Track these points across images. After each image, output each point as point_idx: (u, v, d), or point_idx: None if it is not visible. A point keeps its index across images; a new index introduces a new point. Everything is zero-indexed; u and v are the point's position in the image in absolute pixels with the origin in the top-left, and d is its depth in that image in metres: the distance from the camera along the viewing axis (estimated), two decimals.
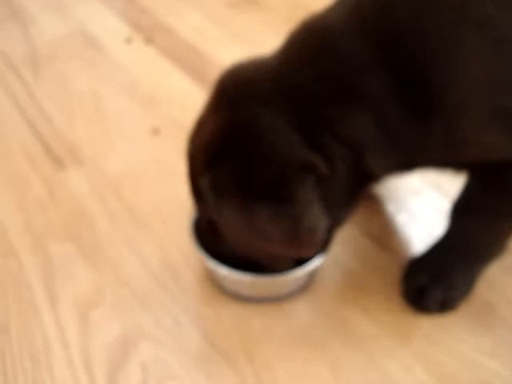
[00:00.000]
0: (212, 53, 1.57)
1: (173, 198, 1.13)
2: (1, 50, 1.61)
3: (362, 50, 0.78)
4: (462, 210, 0.95)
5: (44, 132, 1.31)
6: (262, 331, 0.92)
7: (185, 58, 1.56)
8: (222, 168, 0.79)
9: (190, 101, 1.34)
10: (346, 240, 1.06)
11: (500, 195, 0.89)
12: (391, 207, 1.12)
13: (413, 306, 0.95)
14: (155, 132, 1.29)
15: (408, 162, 0.85)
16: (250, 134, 0.78)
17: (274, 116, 0.78)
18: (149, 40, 1.63)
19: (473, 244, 0.95)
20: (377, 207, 1.13)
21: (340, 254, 1.03)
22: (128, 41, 1.63)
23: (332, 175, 0.80)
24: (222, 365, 0.87)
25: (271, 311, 0.95)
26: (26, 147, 1.27)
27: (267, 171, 0.77)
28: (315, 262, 0.93)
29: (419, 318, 0.93)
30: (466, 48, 0.76)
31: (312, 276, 0.98)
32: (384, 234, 1.07)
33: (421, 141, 0.80)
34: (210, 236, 0.92)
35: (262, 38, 1.62)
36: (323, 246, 0.93)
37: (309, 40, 0.83)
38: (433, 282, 0.95)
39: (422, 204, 1.13)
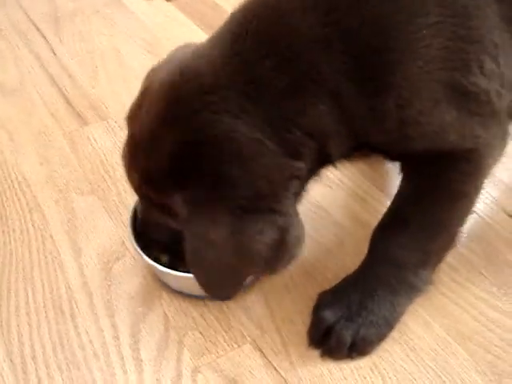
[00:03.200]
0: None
1: None
2: (23, 9, 1.61)
3: (313, 29, 0.72)
4: (384, 229, 0.86)
5: (67, 88, 1.32)
6: (285, 288, 0.92)
7: (205, 14, 1.55)
8: (199, 184, 0.73)
9: None
10: None
11: (432, 203, 0.82)
12: None
13: (316, 348, 0.84)
14: None
15: (363, 145, 0.80)
16: (227, 149, 0.72)
17: (245, 126, 0.73)
18: None
19: (394, 270, 0.84)
20: None
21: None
22: None
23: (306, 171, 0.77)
24: (241, 317, 0.88)
25: None
26: (49, 103, 1.28)
27: (251, 185, 0.73)
28: None
29: (439, 277, 0.93)
30: (423, 19, 0.71)
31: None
32: None
33: (375, 119, 0.75)
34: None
35: None
36: None
37: (256, 22, 0.74)
38: (341, 320, 0.83)
39: None
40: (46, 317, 0.89)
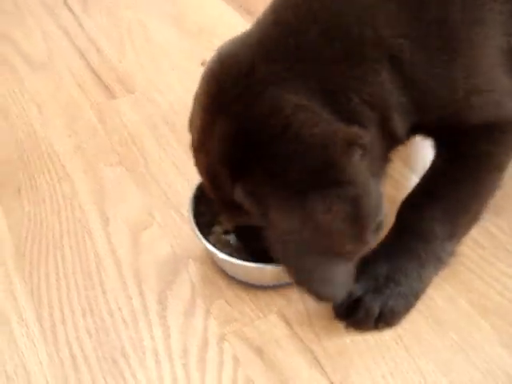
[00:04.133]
0: None
1: None
2: None
3: None
4: (414, 202, 0.86)
5: (94, 62, 1.33)
6: None
7: None
8: (255, 172, 0.70)
9: (239, 33, 1.33)
10: None
11: (466, 176, 0.82)
12: None
13: (342, 321, 0.84)
14: (204, 63, 1.29)
15: (423, 121, 0.78)
16: (274, 125, 0.68)
17: (292, 95, 0.69)
18: None
19: (423, 242, 0.84)
20: None
21: None
22: None
23: (371, 144, 0.72)
24: (269, 287, 0.90)
25: None
26: (77, 76, 1.29)
27: (308, 159, 0.68)
28: None
29: (466, 252, 0.93)
30: None
31: None
32: None
33: (439, 89, 0.74)
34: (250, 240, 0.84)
35: None
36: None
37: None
38: (369, 292, 0.83)
39: None
40: (76, 283, 0.91)
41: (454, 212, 0.84)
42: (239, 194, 0.71)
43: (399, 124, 0.75)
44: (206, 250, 0.87)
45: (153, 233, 0.97)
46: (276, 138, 0.69)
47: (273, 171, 0.69)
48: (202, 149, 0.76)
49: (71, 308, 0.88)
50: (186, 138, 1.13)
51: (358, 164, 0.70)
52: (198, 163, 0.78)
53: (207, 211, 0.90)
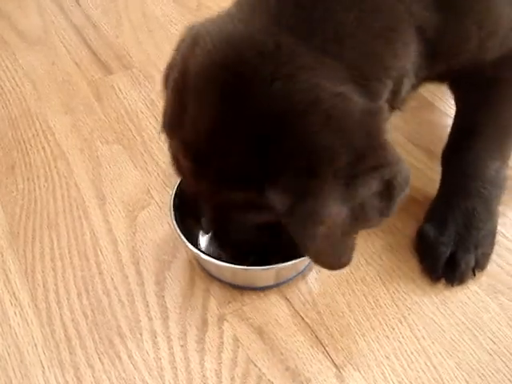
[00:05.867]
0: None
1: None
2: None
3: None
4: (455, 146, 0.88)
5: (91, 38, 1.29)
6: None
7: None
8: (292, 167, 0.65)
9: None
10: None
11: (499, 105, 0.85)
12: None
13: (446, 282, 0.85)
14: None
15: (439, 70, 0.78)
16: (315, 119, 0.64)
17: (327, 81, 0.65)
18: None
19: (480, 179, 0.87)
20: None
21: None
22: None
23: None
24: None
25: None
26: (73, 53, 1.26)
27: (351, 147, 0.65)
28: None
29: None
30: None
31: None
32: None
33: (456, 43, 0.74)
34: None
35: None
36: None
37: None
38: (459, 246, 0.85)
39: None
40: (71, 263, 0.89)
41: (497, 137, 0.88)
42: (271, 194, 0.66)
43: (406, 87, 0.74)
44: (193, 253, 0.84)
45: (150, 212, 0.95)
46: (318, 131, 0.64)
47: (313, 165, 0.65)
48: (215, 148, 0.67)
49: (66, 288, 0.86)
50: None
51: (388, 141, 0.69)
52: (200, 164, 0.69)
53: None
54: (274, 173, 0.65)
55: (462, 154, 0.87)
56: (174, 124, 0.71)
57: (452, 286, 0.85)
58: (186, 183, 0.76)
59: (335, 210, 0.67)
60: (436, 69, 0.76)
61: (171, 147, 0.73)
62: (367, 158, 0.67)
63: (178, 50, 0.73)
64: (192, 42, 0.69)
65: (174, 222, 0.83)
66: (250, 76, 0.64)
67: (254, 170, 0.66)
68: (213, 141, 0.67)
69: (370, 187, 0.68)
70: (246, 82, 0.64)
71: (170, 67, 0.74)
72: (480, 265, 0.86)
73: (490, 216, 0.87)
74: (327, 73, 0.65)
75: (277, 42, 0.64)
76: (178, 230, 0.82)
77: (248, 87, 0.64)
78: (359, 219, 0.70)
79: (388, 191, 0.69)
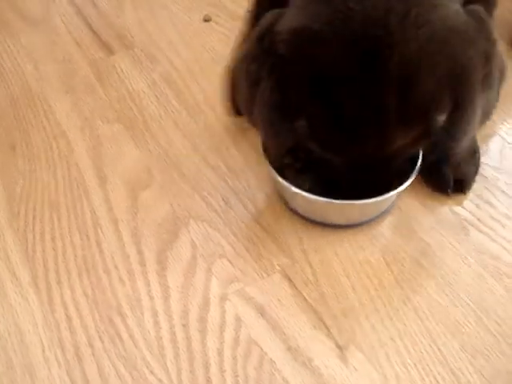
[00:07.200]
0: None
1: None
2: None
3: None
4: None
5: (92, 17, 1.27)
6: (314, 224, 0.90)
7: None
8: (451, 84, 0.75)
9: None
10: None
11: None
12: None
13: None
14: (207, 19, 1.24)
15: None
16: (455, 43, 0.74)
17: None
18: None
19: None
20: None
21: None
22: None
23: None
24: (271, 247, 0.86)
25: None
26: (74, 32, 1.24)
27: (481, 54, 0.76)
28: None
29: (477, 213, 0.90)
30: None
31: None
32: None
33: None
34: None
35: None
36: None
37: None
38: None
39: None
40: (72, 242, 0.88)
41: None
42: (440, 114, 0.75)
43: None
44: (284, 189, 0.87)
45: (152, 192, 0.93)
46: (460, 48, 0.74)
47: (466, 75, 0.75)
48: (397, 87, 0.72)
49: (67, 268, 0.85)
50: (186, 95, 1.11)
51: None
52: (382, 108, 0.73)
53: None
54: (432, 102, 0.74)
55: None
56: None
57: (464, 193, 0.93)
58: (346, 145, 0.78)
59: (479, 111, 0.80)
60: None
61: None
62: (490, 59, 0.77)
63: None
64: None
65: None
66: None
67: (420, 107, 0.74)
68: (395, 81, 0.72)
69: (493, 91, 0.81)
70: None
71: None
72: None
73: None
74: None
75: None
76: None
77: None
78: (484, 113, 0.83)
79: (499, 81, 0.82)
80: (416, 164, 0.86)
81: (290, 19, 0.75)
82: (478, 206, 0.91)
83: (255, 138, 0.93)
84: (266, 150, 0.87)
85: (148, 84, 1.11)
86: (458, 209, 0.91)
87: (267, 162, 0.87)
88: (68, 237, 0.89)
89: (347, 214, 0.88)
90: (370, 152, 0.76)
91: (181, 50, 1.18)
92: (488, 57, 0.77)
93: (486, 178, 0.95)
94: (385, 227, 0.89)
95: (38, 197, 0.94)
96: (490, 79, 0.79)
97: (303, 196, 0.83)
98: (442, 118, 0.76)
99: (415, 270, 0.84)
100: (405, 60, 0.71)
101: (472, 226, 0.89)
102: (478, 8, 0.78)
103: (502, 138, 1.00)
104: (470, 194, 0.93)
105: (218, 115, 1.04)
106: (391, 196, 0.85)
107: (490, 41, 0.78)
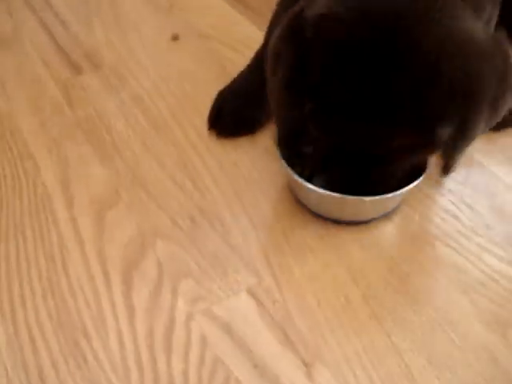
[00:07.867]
0: None
1: (191, 103, 1.10)
2: None
3: None
4: None
5: (61, 38, 1.27)
6: (283, 235, 0.90)
7: None
8: (459, 99, 0.74)
9: (210, 8, 1.30)
10: None
11: None
12: None
13: None
14: (175, 38, 1.25)
15: None
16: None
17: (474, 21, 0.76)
18: None
19: None
20: None
21: None
22: None
23: None
24: (238, 265, 0.86)
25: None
26: (43, 52, 1.23)
27: (495, 73, 0.76)
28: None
29: (443, 227, 0.90)
30: None
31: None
32: None
33: None
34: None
35: None
36: None
37: None
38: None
39: None
40: (37, 263, 0.86)
41: None
42: (443, 126, 0.75)
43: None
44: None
45: (119, 212, 0.93)
46: (473, 64, 0.74)
47: (475, 91, 0.75)
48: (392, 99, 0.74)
49: (32, 290, 0.83)
50: (154, 114, 1.11)
51: None
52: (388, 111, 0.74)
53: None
54: (441, 110, 0.74)
55: None
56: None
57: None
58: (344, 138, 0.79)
59: (483, 127, 0.79)
60: None
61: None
62: (504, 81, 0.77)
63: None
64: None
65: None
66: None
67: (428, 112, 0.74)
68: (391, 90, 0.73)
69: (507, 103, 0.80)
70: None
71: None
72: None
73: None
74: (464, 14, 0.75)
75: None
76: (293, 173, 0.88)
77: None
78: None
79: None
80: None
81: (320, 5, 0.77)
82: (443, 219, 0.92)
83: (222, 156, 0.94)
84: (279, 145, 0.90)
85: (116, 104, 1.11)
86: (424, 223, 0.92)
87: (280, 157, 0.89)
88: (33, 258, 0.88)
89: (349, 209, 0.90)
90: (369, 141, 0.77)
91: (149, 68, 1.18)
92: (502, 78, 0.77)
93: (452, 191, 0.96)
94: (351, 243, 0.89)
95: (2, 217, 0.93)
96: (499, 102, 0.78)
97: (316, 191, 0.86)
98: (447, 132, 0.76)
99: (382, 285, 0.84)
100: (422, 58, 0.72)
101: (437, 239, 0.89)
102: (501, 31, 0.79)
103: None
104: (436, 209, 0.94)
105: (186, 133, 1.04)
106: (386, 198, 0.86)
107: (507, 64, 0.77)
